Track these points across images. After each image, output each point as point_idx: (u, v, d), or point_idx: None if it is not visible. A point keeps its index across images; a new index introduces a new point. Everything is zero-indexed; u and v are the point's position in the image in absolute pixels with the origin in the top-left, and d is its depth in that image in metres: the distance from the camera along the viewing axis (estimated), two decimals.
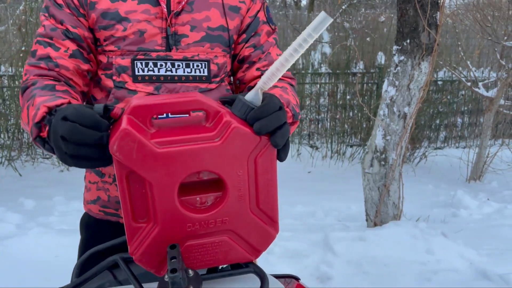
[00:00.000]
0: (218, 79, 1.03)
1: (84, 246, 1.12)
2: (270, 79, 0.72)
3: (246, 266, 0.78)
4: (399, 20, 2.69)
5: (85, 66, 0.99)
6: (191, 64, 0.99)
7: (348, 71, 5.67)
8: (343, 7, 7.90)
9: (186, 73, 0.99)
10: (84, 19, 0.97)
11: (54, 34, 0.96)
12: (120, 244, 0.91)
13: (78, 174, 4.64)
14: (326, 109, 5.90)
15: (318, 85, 5.82)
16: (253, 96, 0.73)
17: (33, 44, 0.99)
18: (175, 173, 0.69)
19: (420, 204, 4.01)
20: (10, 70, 4.75)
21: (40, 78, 0.93)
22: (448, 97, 6.06)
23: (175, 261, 0.66)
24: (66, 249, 2.60)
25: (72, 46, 0.96)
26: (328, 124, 5.90)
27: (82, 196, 3.60)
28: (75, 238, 2.80)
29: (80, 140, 0.68)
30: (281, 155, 0.74)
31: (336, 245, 2.61)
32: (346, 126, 5.85)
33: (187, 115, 0.84)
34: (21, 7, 5.11)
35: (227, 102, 0.77)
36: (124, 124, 0.66)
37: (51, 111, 0.80)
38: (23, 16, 4.86)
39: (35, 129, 0.79)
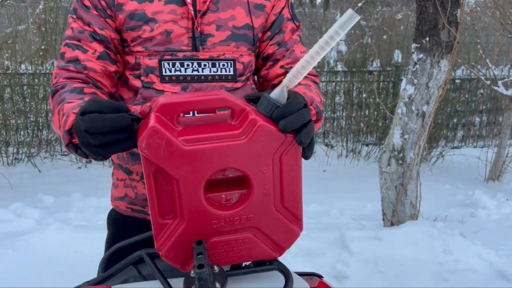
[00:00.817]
0: (243, 77, 1.04)
1: (111, 241, 1.14)
2: (295, 76, 0.72)
3: (270, 263, 0.78)
4: (418, 17, 2.66)
5: (112, 68, 1.00)
6: (217, 64, 1.00)
7: (364, 69, 5.63)
8: (359, 4, 7.84)
9: (212, 73, 1.00)
10: (111, 20, 0.99)
11: (81, 37, 0.98)
12: (144, 240, 0.92)
13: (95, 171, 4.70)
14: (341, 107, 5.87)
15: (334, 84, 5.78)
16: (278, 94, 0.73)
17: (61, 47, 1.00)
18: (201, 170, 0.70)
19: (437, 203, 3.97)
20: (30, 68, 4.83)
21: (69, 81, 0.95)
22: (466, 95, 5.97)
23: (202, 257, 0.67)
24: (84, 244, 2.65)
25: (100, 48, 0.98)
26: (344, 122, 5.87)
27: (99, 193, 3.64)
28: (93, 234, 2.86)
29: (103, 127, 0.68)
30: (306, 153, 0.74)
31: (352, 244, 2.60)
32: (361, 124, 5.81)
33: (213, 113, 0.85)
34: (40, 6, 5.19)
35: (252, 100, 0.78)
36: (152, 121, 0.68)
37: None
38: (43, 15, 4.94)
39: (67, 136, 0.80)
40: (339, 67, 5.78)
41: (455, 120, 6.09)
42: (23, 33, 5.18)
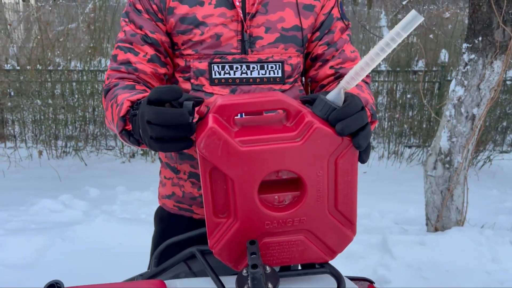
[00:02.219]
0: (291, 79, 1.03)
1: (158, 238, 1.17)
2: (353, 78, 0.71)
3: (321, 266, 0.78)
4: (470, 16, 2.56)
5: (162, 70, 1.03)
6: (265, 66, 1.00)
7: (409, 69, 5.48)
8: (404, 2, 7.64)
9: (260, 75, 1.00)
10: (162, 24, 1.01)
11: (133, 40, 1.00)
12: (195, 237, 0.94)
13: (138, 166, 4.84)
14: (384, 107, 5.74)
15: (377, 83, 5.66)
16: (335, 96, 0.72)
17: (114, 49, 1.04)
18: (256, 171, 0.71)
19: (483, 209, 3.80)
20: (79, 65, 5.03)
21: (121, 80, 0.99)
22: None
23: (255, 256, 0.68)
24: (129, 236, 2.73)
25: (150, 51, 1.00)
26: (386, 123, 5.73)
27: (142, 187, 3.72)
28: (136, 227, 2.94)
29: (164, 120, 0.69)
30: (363, 156, 0.73)
31: (394, 248, 2.54)
32: (405, 126, 5.66)
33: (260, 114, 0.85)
34: (90, 6, 5.39)
35: (308, 102, 0.77)
36: (210, 122, 0.69)
37: (133, 105, 0.84)
38: (92, 14, 5.12)
39: (121, 122, 0.83)
40: (383, 67, 5.65)
41: (504, 123, 5.82)
42: (73, 32, 5.39)
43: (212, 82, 0.99)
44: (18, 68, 4.88)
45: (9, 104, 4.96)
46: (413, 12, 0.67)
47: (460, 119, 2.71)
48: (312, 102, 0.76)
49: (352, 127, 0.70)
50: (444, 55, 5.44)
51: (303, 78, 1.13)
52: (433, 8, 6.43)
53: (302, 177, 0.72)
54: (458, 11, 5.89)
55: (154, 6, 1.00)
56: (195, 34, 0.98)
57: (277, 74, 1.01)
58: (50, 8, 5.86)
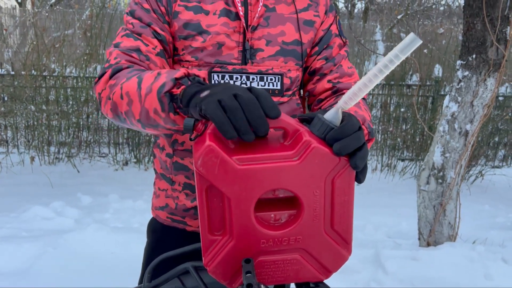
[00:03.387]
0: (290, 92, 1.04)
1: (150, 250, 1.16)
2: (351, 99, 0.72)
3: (316, 285, 0.78)
4: (464, 34, 2.60)
5: (167, 68, 1.01)
6: (265, 78, 1.01)
7: (403, 83, 5.53)
8: (398, 17, 7.73)
9: (260, 86, 1.01)
10: (168, 26, 1.00)
11: (143, 31, 0.97)
12: (189, 252, 0.94)
13: (131, 174, 4.81)
14: (378, 121, 5.77)
15: (371, 96, 5.70)
16: (333, 116, 0.73)
17: (117, 37, 0.99)
18: (253, 189, 0.71)
19: (475, 225, 3.82)
20: (74, 72, 5.02)
21: (134, 64, 0.94)
22: (510, 114, 5.76)
23: (250, 275, 0.68)
24: (121, 246, 2.71)
25: (160, 46, 0.98)
26: (380, 136, 5.76)
27: (135, 196, 3.69)
28: (129, 237, 2.91)
29: (250, 110, 0.65)
30: (360, 176, 0.73)
31: (387, 263, 2.54)
32: (398, 139, 5.69)
33: None
34: (87, 12, 5.39)
35: (305, 120, 0.78)
36: (208, 140, 0.69)
37: (189, 77, 0.79)
38: (89, 21, 5.12)
39: (170, 83, 0.77)
40: None
41: (496, 139, 5.87)
42: (70, 38, 5.39)
43: None
44: (13, 73, 4.85)
45: (2, 109, 4.93)
46: (411, 35, 0.68)
47: (453, 135, 2.73)
48: (309, 121, 0.76)
49: (349, 147, 0.70)
50: (438, 70, 5.49)
51: (301, 91, 1.14)
52: (428, 24, 6.51)
53: (299, 196, 0.72)
54: (452, 27, 5.96)
55: (162, 8, 0.99)
56: (197, 41, 0.98)
57: (276, 86, 1.02)
58: (47, 14, 5.86)
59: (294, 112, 1.05)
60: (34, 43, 4.83)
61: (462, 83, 2.65)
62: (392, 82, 5.57)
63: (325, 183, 0.72)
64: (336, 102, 1.00)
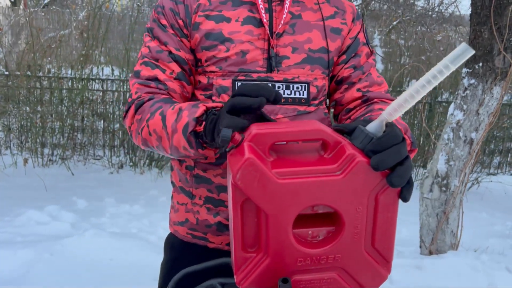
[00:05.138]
0: (317, 101, 1.00)
1: (168, 267, 1.09)
2: (396, 110, 0.68)
3: None
4: (471, 42, 2.59)
5: (188, 88, 1.00)
6: (291, 86, 0.97)
7: (401, 88, 5.53)
8: (394, 23, 7.75)
9: (286, 95, 0.97)
10: (186, 39, 0.98)
11: (160, 56, 0.97)
12: (212, 267, 0.89)
13: (127, 177, 4.74)
14: None
15: None
16: (376, 128, 0.69)
17: (137, 64, 1.00)
18: (293, 205, 0.67)
19: (475, 233, 3.81)
20: (70, 73, 4.94)
21: (154, 95, 0.95)
22: (508, 121, 5.79)
23: None
24: (120, 252, 2.65)
25: (177, 69, 0.97)
26: None
27: (132, 200, 3.61)
28: (127, 242, 2.84)
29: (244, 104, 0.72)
30: (405, 194, 0.69)
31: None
32: None
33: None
34: (83, 13, 5.32)
35: (340, 131, 0.74)
36: (247, 153, 0.65)
37: (207, 111, 0.81)
38: (86, 22, 5.05)
39: (193, 122, 0.80)
40: None
41: (492, 146, 5.90)
42: (66, 39, 5.31)
43: None
44: (7, 73, 4.76)
45: None
46: (463, 44, 0.64)
47: (458, 143, 2.72)
48: (347, 131, 0.72)
49: (389, 162, 0.66)
50: None
51: (327, 101, 1.10)
52: (423, 30, 6.54)
53: (340, 213, 0.68)
54: (451, 34, 6.00)
55: (180, 21, 0.97)
56: (220, 50, 0.95)
57: (303, 95, 0.98)
58: (43, 14, 5.77)
59: (321, 122, 1.01)
60: (30, 43, 4.74)
61: (468, 91, 2.64)
62: (390, 89, 5.57)
63: (369, 199, 0.68)
64: (368, 112, 0.96)
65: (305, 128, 0.68)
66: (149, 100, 0.93)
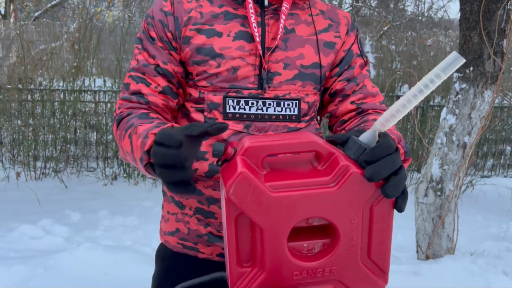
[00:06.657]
0: (307, 117, 0.99)
1: (159, 278, 1.08)
2: (389, 120, 0.68)
3: None
4: (461, 47, 2.61)
5: (174, 102, 0.99)
6: (282, 103, 0.96)
7: (393, 94, 5.56)
8: (384, 28, 7.81)
9: (276, 112, 0.96)
10: (175, 52, 0.97)
11: (146, 70, 0.97)
12: (208, 282, 0.88)
13: (121, 189, 4.70)
14: None
15: None
16: (369, 138, 0.69)
17: (126, 77, 1.00)
18: (287, 218, 0.66)
19: (470, 236, 3.81)
20: (61, 85, 4.91)
21: (133, 109, 0.95)
22: (499, 123, 5.84)
23: None
24: (115, 265, 2.61)
25: (163, 83, 0.97)
26: None
27: (126, 212, 3.57)
28: (122, 255, 2.80)
29: (164, 162, 0.67)
30: (400, 204, 0.69)
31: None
32: None
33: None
34: (75, 25, 5.31)
35: (334, 142, 0.73)
36: (240, 167, 0.64)
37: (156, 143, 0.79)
38: (77, 34, 5.04)
39: (146, 156, 0.77)
40: None
41: (485, 148, 5.94)
42: (57, 51, 5.29)
43: (226, 116, 0.95)
44: None
45: None
46: (454, 53, 0.64)
47: (451, 147, 2.73)
48: (340, 142, 0.72)
49: (382, 172, 0.66)
50: None
51: (318, 117, 1.09)
52: (413, 36, 6.60)
53: (335, 225, 0.67)
54: (441, 40, 6.05)
55: (168, 34, 0.96)
56: (211, 66, 0.94)
57: (293, 112, 0.97)
58: (34, 27, 5.76)
59: None
60: (21, 56, 4.72)
61: (459, 96, 2.66)
62: (383, 94, 5.60)
63: (363, 210, 0.68)
64: (362, 122, 0.96)
65: (298, 140, 0.68)
66: (127, 115, 0.93)
